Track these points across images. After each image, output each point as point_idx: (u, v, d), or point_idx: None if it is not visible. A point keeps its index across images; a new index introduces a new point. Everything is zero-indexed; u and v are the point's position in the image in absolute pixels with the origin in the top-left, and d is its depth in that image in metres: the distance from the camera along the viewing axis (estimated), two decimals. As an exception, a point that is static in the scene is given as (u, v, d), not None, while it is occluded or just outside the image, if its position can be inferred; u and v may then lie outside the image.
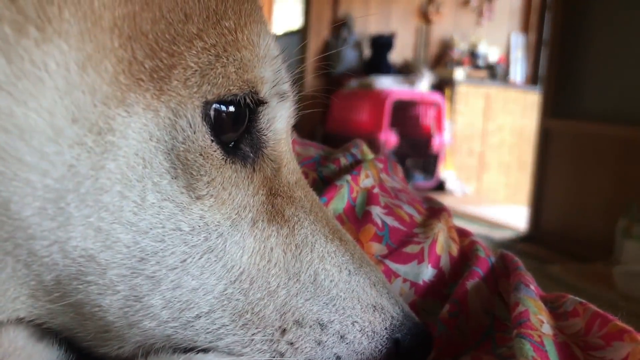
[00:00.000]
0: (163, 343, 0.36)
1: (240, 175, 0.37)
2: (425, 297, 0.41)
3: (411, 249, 0.34)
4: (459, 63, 4.79)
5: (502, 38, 5.20)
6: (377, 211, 0.35)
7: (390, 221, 0.35)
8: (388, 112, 4.08)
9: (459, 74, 4.57)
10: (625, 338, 0.37)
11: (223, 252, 0.36)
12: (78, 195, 0.31)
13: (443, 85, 4.59)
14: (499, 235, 2.67)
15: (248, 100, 0.37)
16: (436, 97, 4.31)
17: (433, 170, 4.30)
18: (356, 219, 0.34)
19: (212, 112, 0.35)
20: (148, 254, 0.34)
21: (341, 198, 0.35)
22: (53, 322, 0.36)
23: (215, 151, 0.35)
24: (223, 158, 0.36)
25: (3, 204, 0.31)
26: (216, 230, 0.35)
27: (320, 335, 0.37)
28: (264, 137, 0.39)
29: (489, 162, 4.73)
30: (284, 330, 0.37)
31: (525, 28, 5.26)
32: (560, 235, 2.57)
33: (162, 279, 0.34)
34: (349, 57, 4.68)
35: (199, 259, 0.35)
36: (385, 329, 0.39)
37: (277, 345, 0.37)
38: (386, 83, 4.34)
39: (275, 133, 0.40)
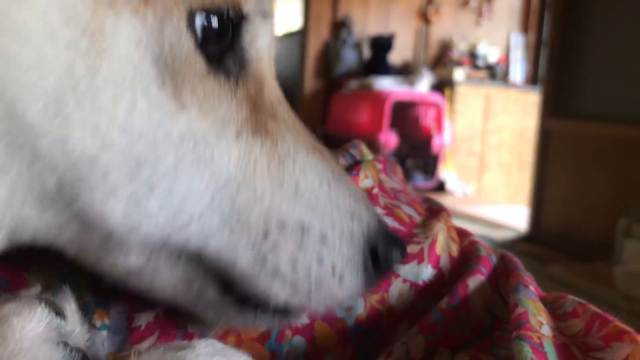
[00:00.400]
0: (160, 247, 0.37)
1: (224, 89, 0.38)
2: (425, 297, 0.41)
3: (411, 249, 0.33)
4: (459, 63, 4.79)
5: (502, 38, 5.20)
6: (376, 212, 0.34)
7: (390, 222, 0.34)
8: (388, 113, 4.08)
9: (459, 74, 4.57)
10: (625, 339, 0.37)
11: (211, 160, 0.37)
12: (75, 95, 0.33)
13: (443, 85, 4.58)
14: (499, 235, 2.66)
15: (232, 14, 0.38)
16: (436, 97, 4.30)
17: (433, 170, 4.30)
18: (355, 219, 0.34)
19: (197, 22, 0.36)
20: (142, 160, 0.35)
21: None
22: (61, 238, 0.37)
23: (199, 61, 0.36)
24: (207, 69, 0.37)
25: (10, 105, 0.32)
26: (203, 139, 0.37)
27: (301, 238, 0.39)
28: (247, 54, 0.40)
29: (489, 162, 4.72)
30: (267, 233, 0.38)
31: (524, 28, 5.26)
32: (560, 236, 2.56)
33: (156, 184, 0.36)
34: (349, 58, 4.68)
35: (189, 166, 0.36)
36: (363, 235, 0.40)
37: (261, 248, 0.38)
38: (386, 84, 4.33)
39: (258, 52, 0.41)
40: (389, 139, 4.10)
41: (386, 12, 4.84)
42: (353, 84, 4.55)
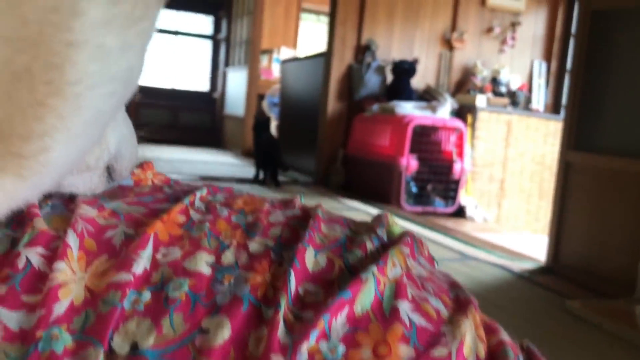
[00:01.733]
0: None
1: None
2: None
3: (439, 352, 0.33)
4: (481, 90, 4.80)
5: (525, 65, 5.21)
6: (404, 307, 0.35)
7: (418, 319, 0.35)
8: (409, 137, 4.10)
9: (481, 100, 4.58)
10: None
11: None
12: None
13: (465, 111, 4.60)
14: (518, 266, 2.66)
15: None
16: (458, 123, 4.32)
17: (453, 196, 4.30)
18: (383, 316, 0.35)
19: None
20: None
21: (368, 293, 0.35)
22: None
23: None
24: None
25: None
26: None
27: None
28: None
29: (510, 188, 4.71)
30: None
31: (547, 56, 5.27)
32: (580, 269, 2.55)
33: None
34: (372, 81, 4.72)
35: None
36: None
37: None
38: (408, 108, 4.36)
39: None
40: (410, 163, 4.12)
41: (410, 37, 4.88)
42: (375, 107, 4.58)
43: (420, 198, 4.26)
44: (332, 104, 4.79)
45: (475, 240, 3.15)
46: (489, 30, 5.07)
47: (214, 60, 8.69)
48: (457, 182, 4.29)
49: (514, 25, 5.10)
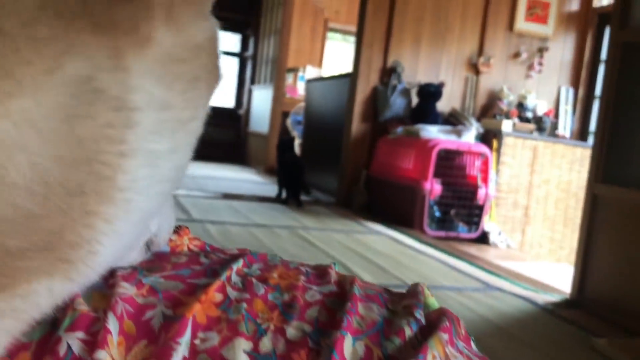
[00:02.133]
0: None
1: None
2: None
3: None
4: (507, 115, 4.77)
5: (551, 91, 5.17)
6: None
7: None
8: (433, 161, 4.09)
9: (507, 125, 4.55)
10: None
11: None
12: None
13: (490, 136, 4.57)
14: (542, 298, 2.62)
15: None
16: (483, 148, 4.29)
17: (477, 221, 4.26)
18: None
19: None
20: None
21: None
22: None
23: None
24: None
25: None
26: None
27: None
28: None
29: (534, 215, 4.66)
30: None
31: (575, 82, 5.22)
32: (607, 304, 2.51)
33: None
34: (397, 103, 4.72)
35: None
36: None
37: None
38: (433, 132, 4.35)
39: None
40: (434, 187, 4.09)
41: (436, 61, 4.88)
42: (399, 130, 4.58)
43: (444, 223, 4.23)
44: (357, 125, 4.79)
45: (499, 269, 3.11)
46: (516, 55, 5.05)
47: (240, 77, 8.78)
48: (481, 208, 4.25)
49: (541, 50, 5.07)
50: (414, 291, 0.47)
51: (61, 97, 0.26)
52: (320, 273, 0.47)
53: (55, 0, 0.27)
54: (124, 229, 0.31)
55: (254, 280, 0.43)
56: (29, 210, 0.26)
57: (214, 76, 0.36)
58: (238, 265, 0.44)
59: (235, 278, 0.42)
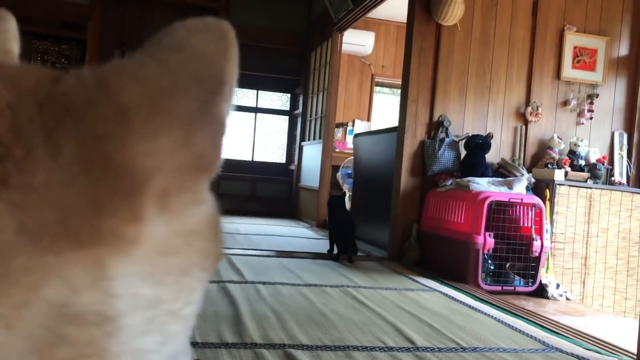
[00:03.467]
0: None
1: None
2: None
3: None
4: (559, 163, 4.70)
5: (604, 137, 5.07)
6: None
7: None
8: (485, 214, 4.04)
9: (559, 174, 4.48)
10: None
11: None
12: None
13: (542, 186, 4.50)
14: None
15: None
16: (535, 198, 4.22)
17: (533, 274, 4.16)
18: None
19: None
20: None
21: None
22: None
23: None
24: None
25: None
26: None
27: None
28: None
29: (594, 266, 4.51)
30: None
31: (629, 127, 5.11)
32: (674, 364, 2.39)
33: None
34: (445, 156, 4.72)
35: None
36: None
37: None
38: (483, 184, 4.31)
39: None
40: (486, 240, 4.03)
41: (483, 112, 4.88)
42: (449, 182, 4.56)
43: (499, 276, 4.15)
44: (406, 179, 4.80)
45: (558, 327, 3.02)
46: (565, 103, 5.00)
47: (290, 134, 8.98)
48: (536, 260, 4.15)
49: (591, 97, 5.01)
50: None
51: (34, 328, 0.25)
52: None
53: (36, 220, 0.26)
54: None
55: None
56: None
57: (212, 259, 0.34)
58: None
59: None
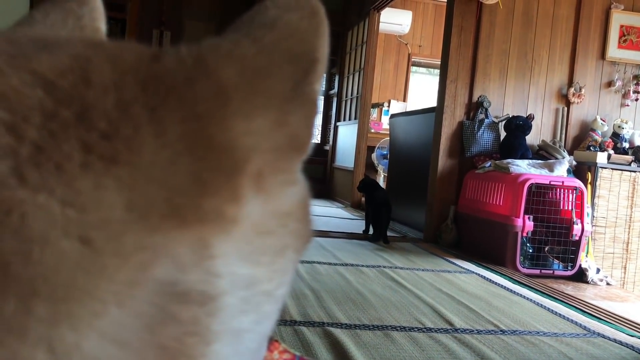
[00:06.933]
0: None
1: None
2: None
3: None
4: (601, 146, 4.59)
5: (650, 120, 4.93)
6: None
7: None
8: (524, 197, 3.98)
9: (602, 157, 4.38)
10: None
11: None
12: None
13: (584, 169, 4.41)
14: (648, 345, 2.48)
15: None
16: (576, 181, 4.14)
17: (573, 258, 4.09)
18: None
19: None
20: None
21: None
22: None
23: None
24: None
25: None
26: None
27: None
28: None
29: (636, 251, 4.42)
30: None
31: (676, 109, 4.96)
32: None
33: None
34: (484, 138, 4.65)
35: None
36: None
37: None
38: (523, 166, 4.25)
39: None
40: (525, 223, 3.98)
41: (524, 93, 4.79)
42: (488, 164, 4.50)
43: (537, 260, 4.10)
44: (443, 160, 4.76)
45: (599, 312, 2.97)
46: (609, 84, 4.87)
47: (325, 114, 8.95)
48: (576, 244, 4.09)
49: (637, 77, 4.86)
50: None
51: (145, 307, 0.25)
52: None
53: (144, 198, 0.26)
54: None
55: None
56: None
57: (304, 240, 0.34)
58: None
59: None
